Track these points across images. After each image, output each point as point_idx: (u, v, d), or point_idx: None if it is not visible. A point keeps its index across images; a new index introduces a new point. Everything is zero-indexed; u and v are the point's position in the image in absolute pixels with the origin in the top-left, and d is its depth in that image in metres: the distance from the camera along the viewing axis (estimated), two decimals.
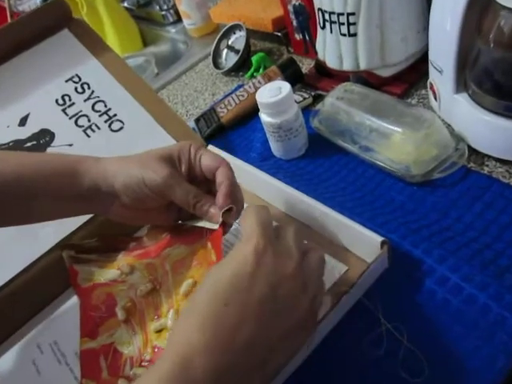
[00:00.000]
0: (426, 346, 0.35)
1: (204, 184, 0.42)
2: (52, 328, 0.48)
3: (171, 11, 1.02)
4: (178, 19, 1.01)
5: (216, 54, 0.80)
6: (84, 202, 0.42)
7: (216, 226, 0.41)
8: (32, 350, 0.47)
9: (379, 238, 0.39)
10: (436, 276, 0.38)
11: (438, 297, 0.37)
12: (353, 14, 0.54)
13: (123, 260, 0.51)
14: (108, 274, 0.50)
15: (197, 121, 0.68)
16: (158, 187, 0.39)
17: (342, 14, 0.55)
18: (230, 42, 0.79)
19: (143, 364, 0.42)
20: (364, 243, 0.41)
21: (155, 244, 0.51)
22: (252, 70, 0.74)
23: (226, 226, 0.40)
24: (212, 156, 0.40)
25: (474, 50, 0.45)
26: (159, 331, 0.43)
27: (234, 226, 0.42)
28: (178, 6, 0.91)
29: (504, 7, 0.40)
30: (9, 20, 1.03)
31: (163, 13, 1.03)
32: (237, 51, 0.77)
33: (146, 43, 1.12)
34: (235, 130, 0.65)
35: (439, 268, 0.38)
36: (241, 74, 0.77)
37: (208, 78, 0.80)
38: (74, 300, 0.50)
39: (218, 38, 0.79)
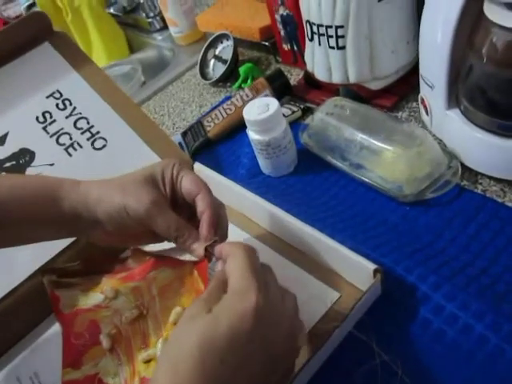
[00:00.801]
0: (421, 379, 0.34)
1: (187, 206, 0.41)
2: (32, 359, 0.46)
3: (157, 18, 1.00)
4: (165, 26, 0.99)
5: (203, 64, 0.79)
6: (63, 227, 0.40)
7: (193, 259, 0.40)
8: (12, 383, 0.45)
9: (372, 266, 0.37)
10: (431, 304, 0.37)
11: (433, 326, 0.36)
12: (341, 26, 0.53)
13: (107, 283, 0.49)
14: (91, 298, 0.48)
15: (184, 134, 0.66)
16: (139, 217, 0.37)
17: (331, 27, 0.54)
18: (217, 52, 0.77)
19: None
20: (356, 270, 0.39)
21: (139, 266, 0.49)
22: (240, 80, 0.72)
23: (210, 255, 0.38)
24: (193, 179, 0.39)
25: (465, 65, 0.44)
26: (147, 362, 0.41)
27: None
28: (164, 13, 0.89)
29: (495, 24, 0.38)
30: None
31: (149, 20, 1.00)
32: (224, 61, 0.75)
33: (132, 50, 1.10)
34: (222, 145, 0.64)
35: (434, 296, 0.37)
36: (228, 84, 0.75)
37: (195, 88, 0.78)
38: (55, 328, 0.48)
39: (204, 47, 0.78)
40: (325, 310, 0.40)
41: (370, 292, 0.38)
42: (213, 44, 0.78)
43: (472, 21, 0.42)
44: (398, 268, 0.40)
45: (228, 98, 0.71)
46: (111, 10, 1.10)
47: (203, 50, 0.78)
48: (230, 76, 0.75)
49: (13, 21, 1.37)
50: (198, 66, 0.78)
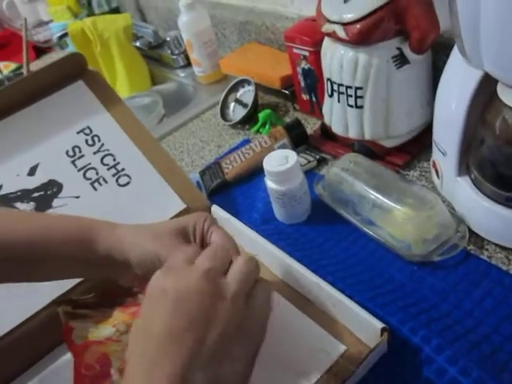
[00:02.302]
0: None
1: None
2: None
3: (182, 56, 1.04)
4: (188, 64, 1.04)
5: (224, 105, 0.82)
6: (95, 268, 0.42)
7: None
8: None
9: (380, 325, 0.39)
10: (434, 366, 0.39)
11: None
12: (360, 88, 0.56)
13: (119, 317, 0.50)
14: (103, 330, 0.50)
15: (202, 173, 0.69)
16: None
17: (350, 87, 0.57)
18: (238, 95, 0.81)
19: None
20: (364, 326, 0.41)
21: None
22: (258, 125, 0.76)
23: None
24: (221, 235, 0.41)
25: (477, 138, 0.47)
26: None
27: None
28: (190, 53, 0.93)
29: (507, 106, 0.41)
30: (24, 49, 1.05)
31: (174, 57, 1.05)
32: (245, 105, 0.79)
33: (154, 83, 1.14)
34: (239, 187, 0.66)
35: (437, 358, 0.39)
36: (247, 127, 0.79)
37: (214, 128, 0.81)
38: (65, 358, 0.49)
39: (227, 90, 0.81)
40: (331, 363, 0.41)
41: (377, 349, 0.39)
42: (234, 87, 0.81)
43: (486, 98, 0.45)
44: (403, 328, 0.41)
45: (246, 141, 0.74)
46: (137, 44, 1.15)
47: (225, 92, 0.82)
48: (248, 119, 0.78)
49: (42, 44, 1.42)
50: (219, 107, 0.81)
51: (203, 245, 0.42)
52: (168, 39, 1.03)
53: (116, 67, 1.10)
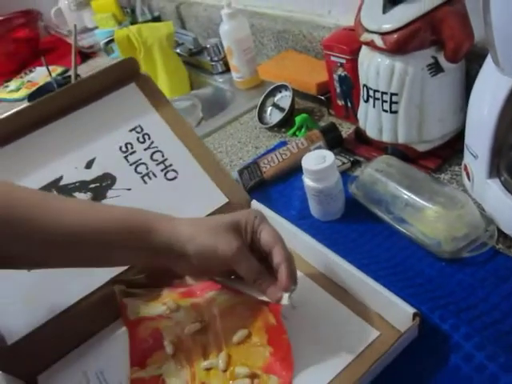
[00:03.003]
0: None
1: (258, 252, 0.47)
2: (98, 357, 0.52)
3: (220, 62, 1.09)
4: (226, 70, 1.09)
5: (261, 109, 0.86)
6: (154, 256, 0.47)
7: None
8: (79, 377, 0.51)
9: (412, 310, 0.42)
10: (462, 353, 0.41)
11: (462, 373, 0.40)
12: (395, 94, 0.60)
13: (168, 296, 0.55)
14: (154, 308, 0.54)
15: (240, 172, 0.73)
16: (227, 258, 0.44)
17: (386, 93, 0.60)
18: (275, 100, 0.85)
19: None
20: (397, 312, 0.44)
21: (198, 284, 0.55)
22: (295, 128, 0.80)
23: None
24: (270, 233, 0.45)
25: (508, 142, 0.49)
26: (208, 369, 0.47)
27: None
28: (229, 60, 0.98)
29: None
30: (72, 53, 1.12)
31: (213, 63, 1.10)
32: (282, 109, 0.83)
33: (193, 88, 1.20)
34: (276, 186, 0.70)
35: (466, 345, 0.42)
36: (283, 130, 0.83)
37: (252, 130, 0.86)
38: (120, 332, 0.54)
39: (264, 94, 0.86)
40: (365, 345, 0.44)
41: (408, 333, 0.42)
42: (272, 92, 0.86)
43: None
44: (433, 316, 0.45)
45: (283, 143, 0.78)
46: (178, 50, 1.21)
47: (263, 96, 0.86)
48: (285, 123, 0.82)
49: (86, 50, 1.50)
50: (256, 110, 0.86)
51: (253, 241, 0.46)
52: (208, 46, 1.09)
53: (158, 72, 1.16)
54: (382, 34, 0.57)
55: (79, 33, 1.62)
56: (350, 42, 0.70)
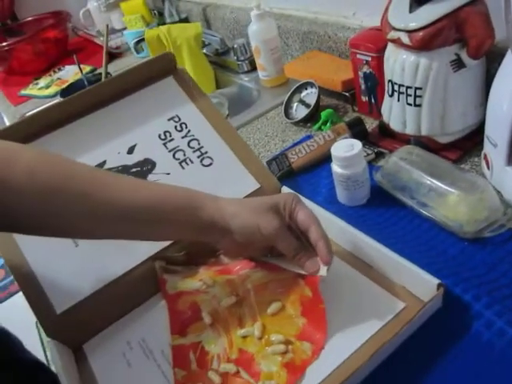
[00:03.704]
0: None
1: (297, 231, 0.51)
2: (141, 327, 0.56)
3: (246, 62, 1.14)
4: (252, 69, 1.14)
5: (287, 106, 0.91)
6: (199, 232, 0.51)
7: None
8: (122, 345, 0.55)
9: (436, 281, 0.46)
10: (483, 320, 0.45)
11: (483, 338, 0.44)
12: (420, 88, 0.64)
13: (204, 274, 0.59)
14: (191, 284, 0.58)
15: (269, 163, 0.77)
16: (269, 235, 0.48)
17: (411, 88, 0.64)
18: (302, 96, 0.89)
19: (230, 360, 0.49)
20: (421, 284, 0.48)
21: (233, 263, 0.59)
22: (320, 123, 0.84)
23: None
24: (307, 213, 0.49)
25: None
26: (244, 337, 0.51)
27: None
28: (256, 59, 1.02)
29: None
30: (104, 52, 1.17)
31: (239, 63, 1.15)
32: (307, 105, 0.87)
33: (219, 87, 1.25)
34: (303, 176, 0.74)
35: (486, 313, 0.45)
36: (308, 125, 0.87)
37: (278, 125, 0.90)
38: (160, 305, 0.58)
39: (291, 91, 0.90)
40: (392, 315, 0.48)
41: (433, 302, 0.46)
42: (298, 89, 0.90)
43: None
44: (456, 288, 0.48)
45: (309, 136, 0.83)
46: (204, 51, 1.26)
47: (290, 93, 0.90)
48: (310, 118, 0.87)
49: (114, 50, 1.56)
50: (283, 106, 0.90)
51: (290, 219, 0.51)
52: (235, 46, 1.13)
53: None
54: (409, 32, 0.61)
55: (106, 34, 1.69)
56: (375, 41, 0.74)
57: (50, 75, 1.62)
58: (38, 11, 1.89)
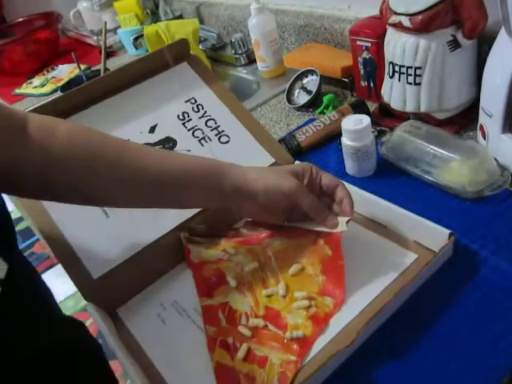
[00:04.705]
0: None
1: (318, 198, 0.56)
2: (172, 290, 0.60)
3: (244, 55, 1.19)
4: (249, 62, 1.19)
5: (289, 93, 0.96)
6: (225, 198, 0.54)
7: (330, 231, 0.54)
8: (156, 307, 0.59)
9: (447, 231, 0.51)
10: (490, 264, 0.51)
11: (491, 280, 0.50)
12: (419, 68, 0.70)
13: (226, 244, 0.63)
14: (214, 254, 0.62)
15: (278, 143, 0.82)
16: (291, 193, 0.52)
17: (411, 68, 0.70)
18: (303, 83, 0.95)
19: (258, 316, 0.53)
20: (433, 236, 0.53)
21: (253, 235, 0.63)
22: (322, 107, 0.89)
23: None
24: (330, 177, 0.54)
25: None
26: (269, 296, 0.55)
27: None
28: (256, 51, 1.08)
29: None
30: (103, 49, 1.21)
31: (237, 56, 1.20)
32: (309, 91, 0.93)
33: None
34: (311, 154, 0.79)
35: (492, 257, 0.51)
36: (311, 110, 0.92)
37: (282, 111, 0.95)
38: (188, 272, 0.62)
39: (293, 78, 0.95)
40: (406, 266, 0.53)
41: (445, 250, 0.51)
42: (300, 77, 0.95)
43: None
44: (464, 239, 0.54)
45: (312, 119, 0.88)
46: (200, 46, 1.30)
47: (291, 80, 0.95)
48: (312, 104, 0.92)
49: (107, 49, 1.58)
50: (285, 93, 0.95)
51: (310, 187, 0.55)
52: (233, 40, 1.18)
53: None
54: (409, 16, 0.67)
55: (99, 34, 1.71)
56: (374, 28, 0.80)
57: (44, 74, 1.63)
58: (26, 13, 1.91)
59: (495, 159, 0.63)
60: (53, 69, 1.66)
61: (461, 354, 0.44)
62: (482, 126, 0.66)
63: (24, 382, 0.45)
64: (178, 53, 0.78)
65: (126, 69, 0.74)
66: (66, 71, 1.60)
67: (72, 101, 0.69)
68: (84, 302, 0.57)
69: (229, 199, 0.55)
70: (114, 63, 1.54)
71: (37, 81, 1.59)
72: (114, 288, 0.59)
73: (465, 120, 0.74)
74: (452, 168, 0.62)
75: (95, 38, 1.68)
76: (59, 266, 0.59)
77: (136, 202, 0.55)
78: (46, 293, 0.54)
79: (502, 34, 0.59)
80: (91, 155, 0.50)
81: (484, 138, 0.66)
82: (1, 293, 0.42)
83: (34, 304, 0.51)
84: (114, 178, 0.51)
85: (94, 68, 1.51)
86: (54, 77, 1.59)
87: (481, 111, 0.65)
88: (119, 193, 0.53)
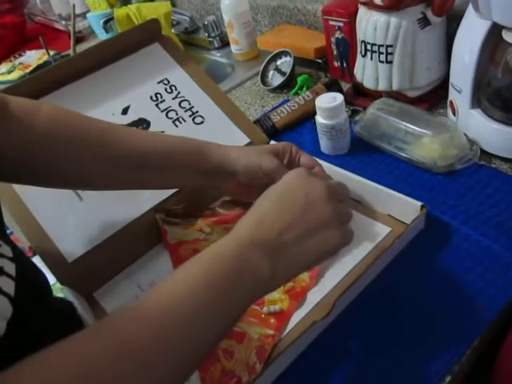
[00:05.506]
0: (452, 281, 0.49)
1: None
2: (149, 272, 0.60)
3: (217, 38, 1.18)
4: (223, 45, 1.18)
5: (263, 75, 0.96)
6: (208, 176, 0.54)
7: None
8: (133, 288, 0.59)
9: (419, 203, 0.53)
10: (461, 234, 0.52)
11: (462, 249, 0.51)
12: (391, 46, 0.70)
13: (202, 224, 0.63)
14: (191, 234, 0.62)
15: (254, 123, 0.82)
16: (270, 172, 0.51)
17: (382, 46, 0.71)
18: (277, 65, 0.94)
19: None
20: (406, 208, 0.54)
21: (229, 214, 0.64)
22: (296, 88, 0.89)
23: None
24: (309, 157, 0.54)
25: (486, 76, 0.61)
26: None
27: None
28: (229, 33, 1.07)
29: (511, 44, 0.55)
30: (72, 33, 1.18)
31: (210, 39, 1.19)
32: (283, 73, 0.93)
33: None
34: (286, 134, 0.79)
35: (463, 228, 0.53)
36: (285, 91, 0.92)
37: (256, 93, 0.95)
38: (165, 253, 0.62)
39: (267, 60, 0.95)
40: (380, 238, 0.55)
41: (417, 222, 0.53)
42: (273, 58, 0.95)
43: (493, 43, 0.59)
44: (435, 211, 0.55)
45: (286, 100, 0.88)
46: (173, 30, 1.28)
47: (265, 62, 0.95)
48: (286, 85, 0.92)
49: (76, 34, 1.54)
50: (259, 75, 0.95)
51: (289, 166, 0.54)
52: (206, 23, 1.17)
53: None
54: None
55: (68, 18, 1.67)
56: (346, 7, 0.80)
57: (11, 61, 1.58)
58: None
59: (465, 134, 0.65)
60: (20, 55, 1.60)
61: (435, 322, 0.46)
62: (451, 102, 0.67)
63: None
64: (149, 33, 0.77)
65: (97, 50, 0.73)
66: (34, 57, 1.55)
67: (42, 83, 0.67)
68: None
69: (211, 177, 0.55)
70: (84, 48, 1.50)
71: (3, 67, 1.54)
72: (90, 271, 0.59)
73: (435, 98, 0.75)
74: (424, 143, 0.63)
75: (64, 22, 1.64)
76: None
77: (120, 185, 0.55)
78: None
79: (470, 11, 0.60)
80: (75, 135, 0.50)
81: (454, 114, 0.67)
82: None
83: (39, 273, 0.51)
84: (98, 160, 0.51)
85: (63, 53, 1.47)
86: (21, 63, 1.54)
87: (450, 87, 0.67)
88: (103, 175, 0.53)
